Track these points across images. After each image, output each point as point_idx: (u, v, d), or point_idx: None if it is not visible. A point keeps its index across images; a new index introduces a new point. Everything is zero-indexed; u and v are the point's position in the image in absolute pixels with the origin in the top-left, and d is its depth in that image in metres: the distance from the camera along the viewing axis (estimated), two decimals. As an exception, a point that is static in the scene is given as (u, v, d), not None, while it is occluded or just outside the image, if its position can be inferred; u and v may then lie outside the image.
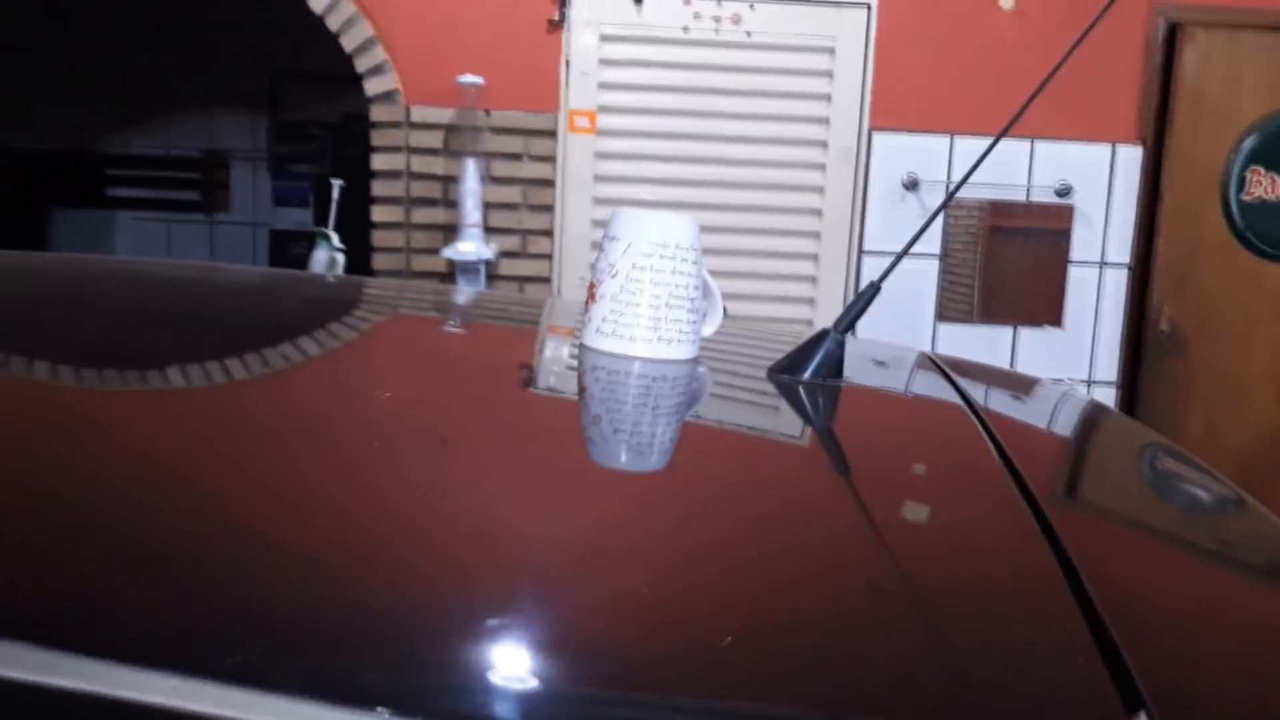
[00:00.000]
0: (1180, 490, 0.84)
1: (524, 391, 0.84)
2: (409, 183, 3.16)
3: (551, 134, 3.13)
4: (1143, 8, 3.13)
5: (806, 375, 0.88)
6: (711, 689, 0.40)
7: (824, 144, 3.17)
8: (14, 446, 0.56)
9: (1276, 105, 3.12)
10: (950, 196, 0.97)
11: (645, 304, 0.88)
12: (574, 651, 0.41)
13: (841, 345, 0.90)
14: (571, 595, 0.45)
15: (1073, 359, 3.28)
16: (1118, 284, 3.25)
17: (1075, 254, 3.23)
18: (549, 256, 3.21)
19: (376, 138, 3.15)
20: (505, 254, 3.17)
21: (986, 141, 3.00)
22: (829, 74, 3.14)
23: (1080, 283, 3.25)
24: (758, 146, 3.16)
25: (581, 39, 3.10)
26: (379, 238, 3.18)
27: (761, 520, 0.57)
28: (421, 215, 3.18)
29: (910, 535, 0.57)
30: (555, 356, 1.03)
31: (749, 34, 3.12)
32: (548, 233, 3.19)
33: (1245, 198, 3.15)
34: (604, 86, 3.13)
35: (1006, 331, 3.26)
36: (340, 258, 3.34)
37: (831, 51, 3.13)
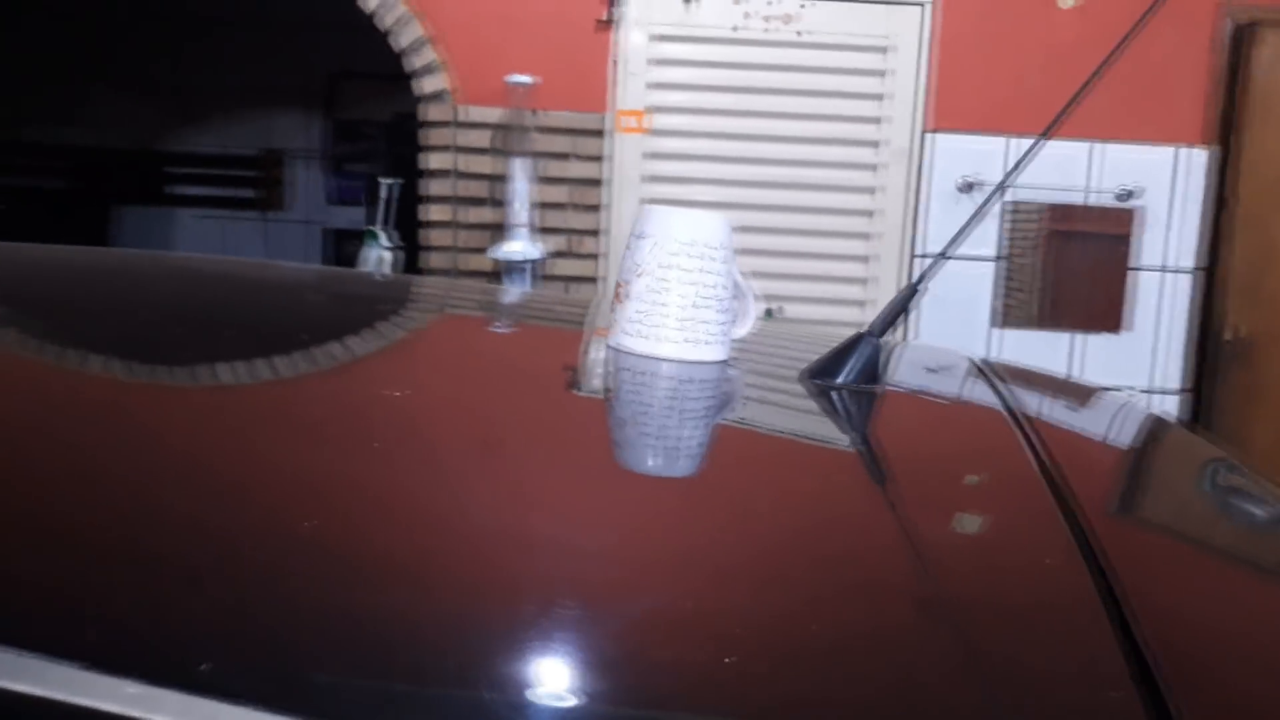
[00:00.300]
0: (1238, 508, 0.79)
1: (552, 393, 0.82)
2: (458, 182, 3.16)
3: (600, 134, 3.12)
4: (1210, 8, 3.03)
5: (840, 380, 0.85)
6: (733, 705, 0.37)
7: (877, 144, 3.11)
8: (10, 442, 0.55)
9: (1352, 107, 3.00)
10: (990, 198, 0.93)
11: (673, 304, 0.85)
12: (610, 666, 0.39)
13: (878, 349, 0.86)
14: (595, 610, 0.42)
15: (1135, 366, 3.18)
16: (1182, 290, 3.15)
17: (1138, 259, 3.14)
18: (596, 256, 3.19)
19: (426, 137, 3.15)
20: (553, 254, 3.16)
21: (1047, 145, 2.93)
22: (883, 74, 3.08)
23: (1144, 288, 3.15)
24: (809, 147, 3.11)
25: (631, 39, 3.08)
26: (428, 237, 3.19)
27: (784, 533, 0.54)
28: (470, 214, 3.18)
29: (932, 552, 0.53)
30: (589, 358, 1.01)
31: (800, 34, 3.08)
32: (595, 233, 3.18)
33: (1317, 202, 3.03)
34: (653, 86, 3.10)
35: (1066, 338, 3.18)
36: (389, 256, 3.36)
37: (885, 51, 3.07)
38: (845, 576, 0.49)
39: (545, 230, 3.14)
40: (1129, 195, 3.09)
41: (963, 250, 3.09)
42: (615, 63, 3.09)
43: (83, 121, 5.52)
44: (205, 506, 0.48)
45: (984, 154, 3.09)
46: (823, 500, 0.61)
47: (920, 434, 0.82)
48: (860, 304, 3.16)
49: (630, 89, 3.10)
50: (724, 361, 0.89)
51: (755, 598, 0.45)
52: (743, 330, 0.93)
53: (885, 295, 3.14)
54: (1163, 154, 3.10)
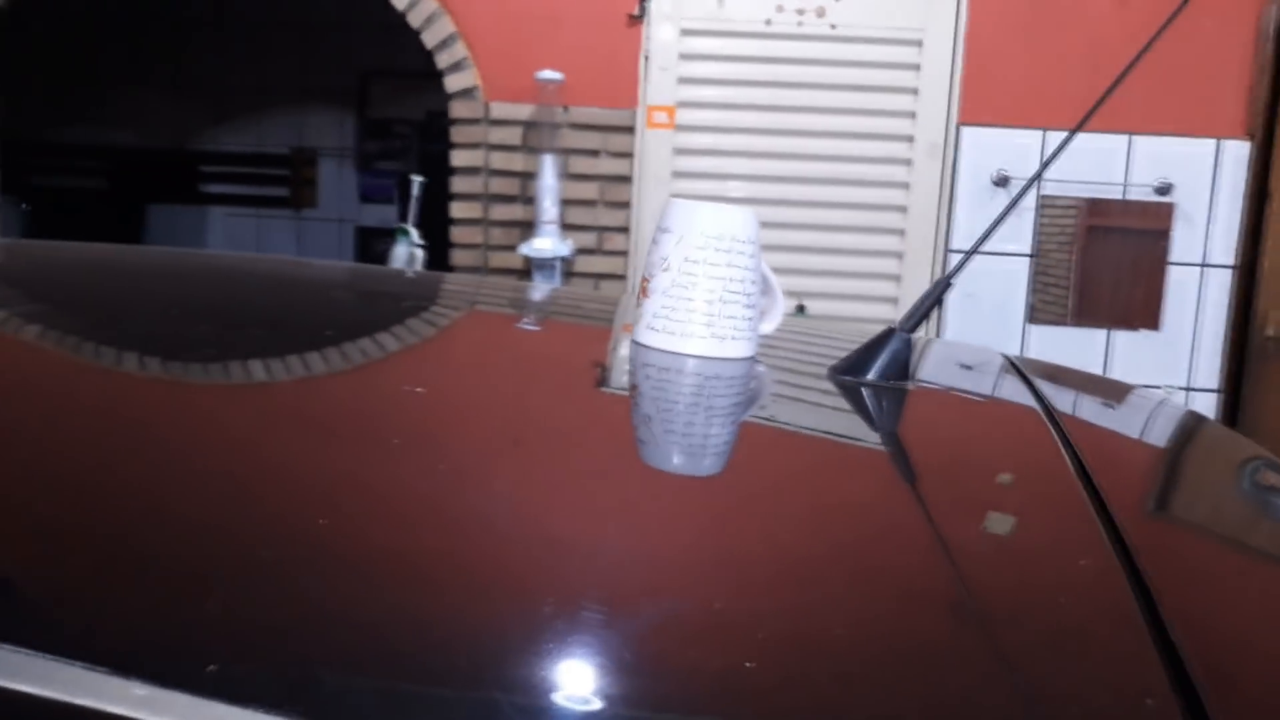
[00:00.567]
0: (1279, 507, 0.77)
1: (572, 390, 0.81)
2: (488, 179, 3.16)
3: (630, 130, 3.11)
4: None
5: (870, 376, 0.83)
6: (756, 711, 0.36)
7: (910, 139, 3.08)
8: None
9: (1399, 98, 2.93)
10: (1023, 191, 0.91)
11: (698, 299, 0.84)
12: (636, 670, 0.37)
13: (908, 344, 0.84)
14: (618, 612, 0.41)
15: (1171, 364, 3.13)
16: (1220, 286, 3.09)
17: (1175, 254, 3.09)
18: (625, 253, 3.18)
19: (456, 134, 3.16)
20: (582, 251, 3.15)
21: (1081, 138, 2.88)
22: (916, 67, 3.05)
23: (1180, 284, 3.10)
24: (841, 141, 3.08)
25: (661, 34, 3.07)
26: (458, 234, 3.20)
27: (808, 534, 0.53)
28: (499, 212, 3.18)
29: (967, 554, 0.52)
30: (613, 355, 1.00)
31: (833, 26, 3.05)
32: (624, 229, 3.17)
33: (1362, 196, 2.96)
34: (683, 81, 3.09)
35: (1101, 335, 3.13)
36: (420, 253, 3.37)
37: (919, 44, 3.04)
38: (877, 579, 0.48)
39: (574, 227, 3.14)
40: (1168, 189, 3.03)
41: (996, 246, 3.05)
42: (645, 58, 3.08)
43: (119, 122, 5.58)
44: (217, 504, 0.48)
45: (1019, 147, 3.05)
46: (853, 501, 0.60)
47: (954, 432, 0.80)
48: (892, 300, 3.13)
49: (660, 84, 3.09)
50: (751, 358, 0.87)
51: (784, 602, 0.44)
52: (770, 326, 0.92)
53: (917, 292, 3.10)
54: (1202, 147, 3.04)
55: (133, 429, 0.58)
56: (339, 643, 0.37)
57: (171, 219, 5.60)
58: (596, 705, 0.35)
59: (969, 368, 1.08)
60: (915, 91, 3.06)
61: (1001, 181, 3.06)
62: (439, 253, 3.32)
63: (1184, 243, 3.08)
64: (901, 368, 0.84)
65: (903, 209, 3.11)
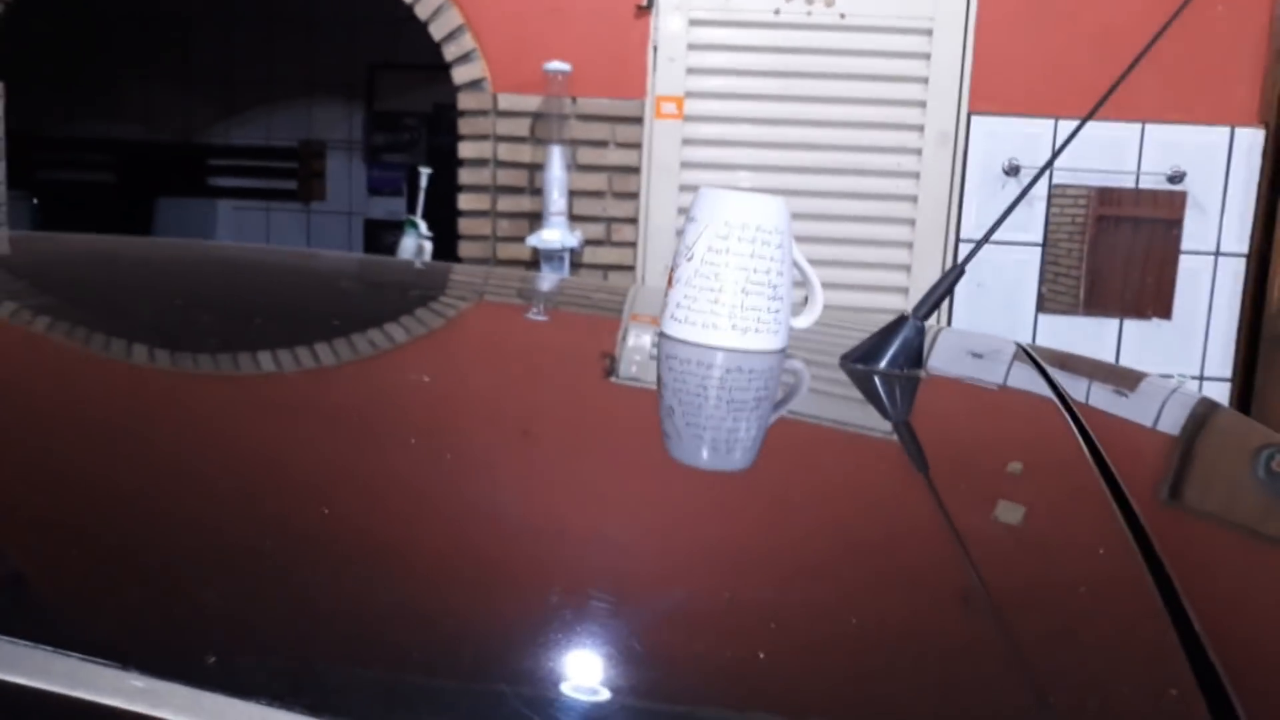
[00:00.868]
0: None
1: (581, 381, 0.80)
2: (495, 170, 3.15)
3: (638, 120, 3.09)
4: (1267, -16, 2.95)
5: (882, 364, 0.82)
6: (771, 701, 0.35)
7: (920, 128, 3.06)
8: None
9: None
10: (1034, 180, 0.89)
11: (721, 289, 0.83)
12: (656, 661, 0.37)
13: (921, 332, 0.83)
14: (633, 603, 0.41)
15: (1182, 353, 3.11)
16: (1233, 275, 3.07)
17: (1187, 243, 3.06)
18: (634, 244, 3.17)
19: (464, 126, 3.15)
20: (590, 242, 3.14)
21: (1093, 127, 2.85)
22: (926, 56, 3.02)
23: (1192, 273, 3.07)
24: (850, 131, 3.07)
25: (669, 24, 3.05)
26: (465, 225, 3.19)
27: (822, 524, 0.52)
28: (507, 203, 3.17)
29: (983, 545, 0.51)
30: (625, 346, 0.99)
31: (842, 16, 3.03)
32: (633, 220, 3.15)
33: (1377, 183, 2.94)
34: (692, 71, 3.07)
35: (1112, 324, 3.11)
36: (428, 245, 3.36)
37: (929, 33, 3.01)
38: (895, 570, 0.47)
39: (582, 218, 3.13)
40: (1181, 177, 3.01)
41: (1006, 235, 3.03)
42: (654, 48, 3.07)
43: (128, 116, 5.59)
44: (217, 494, 0.47)
45: (1030, 136, 3.03)
46: (869, 491, 0.59)
47: (969, 420, 0.79)
48: (903, 291, 3.12)
49: (669, 75, 3.07)
50: (779, 351, 0.86)
51: (800, 592, 0.43)
52: (806, 321, 0.90)
53: (927, 282, 3.08)
54: (1215, 135, 3.01)
55: (131, 419, 0.58)
56: (340, 634, 0.36)
57: (180, 213, 5.61)
58: (606, 696, 0.34)
59: (981, 356, 1.07)
60: (925, 81, 3.04)
61: (1012, 171, 3.04)
62: (447, 245, 3.32)
63: (1196, 231, 3.05)
64: (914, 356, 0.82)
65: (913, 199, 3.09)
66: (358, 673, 0.35)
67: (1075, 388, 0.93)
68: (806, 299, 0.91)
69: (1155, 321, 3.09)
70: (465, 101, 3.13)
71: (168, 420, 0.58)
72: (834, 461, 0.64)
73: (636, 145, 3.11)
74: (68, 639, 0.33)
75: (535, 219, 3.10)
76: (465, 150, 3.15)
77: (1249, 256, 3.05)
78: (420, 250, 3.33)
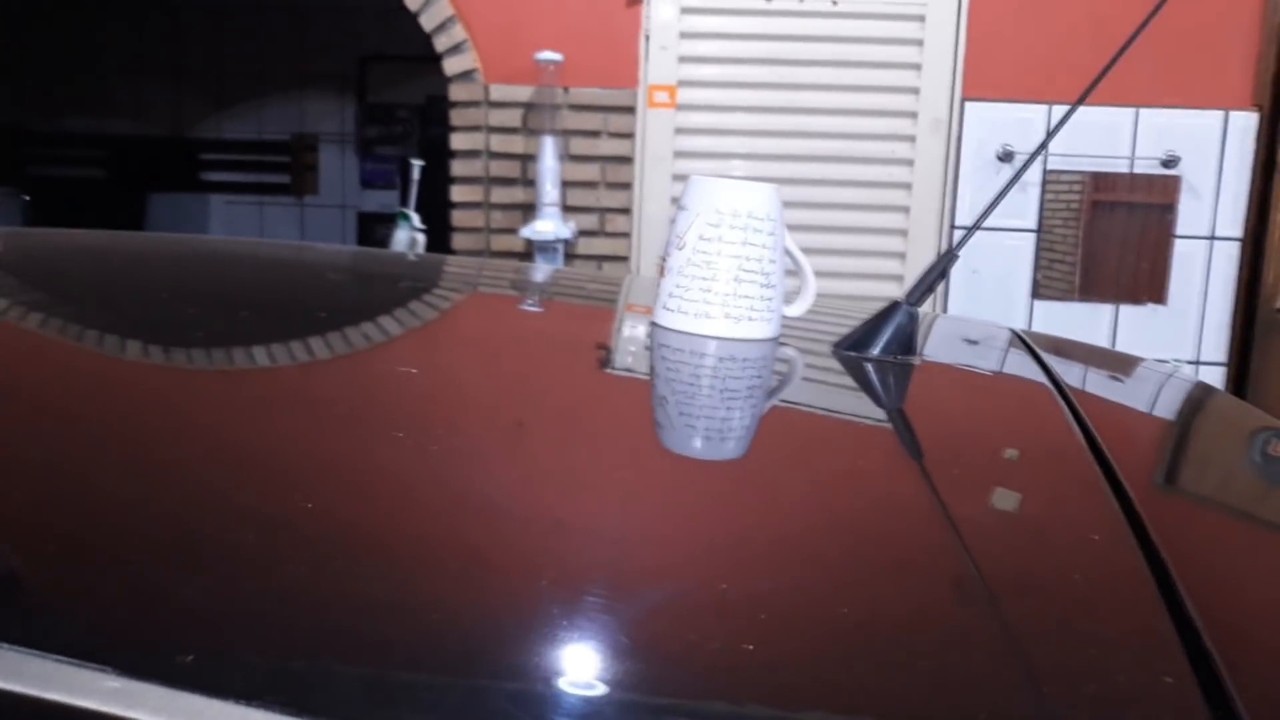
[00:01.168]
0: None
1: (574, 371, 0.80)
2: (488, 162, 3.14)
3: (630, 110, 3.08)
4: (1261, -34, 2.93)
5: (875, 352, 0.81)
6: (766, 690, 0.34)
7: (914, 115, 3.05)
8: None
9: None
10: (1026, 164, 0.88)
11: (713, 278, 0.82)
12: (639, 652, 0.36)
13: (914, 318, 0.82)
14: (631, 596, 0.40)
15: (1177, 338, 3.10)
16: (1228, 259, 3.06)
17: (1182, 227, 3.06)
18: (627, 235, 3.16)
19: (455, 117, 3.13)
20: (583, 233, 3.13)
21: (1086, 112, 2.85)
22: (919, 42, 3.01)
23: (1186, 258, 3.07)
24: (844, 118, 3.06)
25: (661, 12, 3.04)
26: (458, 217, 3.17)
27: (815, 512, 0.52)
28: (500, 194, 3.16)
29: (977, 532, 0.50)
30: (619, 336, 0.98)
31: (835, 3, 3.01)
32: (627, 211, 3.14)
33: (1372, 166, 2.93)
34: (684, 60, 3.06)
35: (1107, 309, 3.10)
36: (421, 238, 3.35)
37: (921, 19, 3.00)
38: (888, 557, 0.46)
39: (576, 209, 3.12)
40: (1175, 162, 3.00)
41: (1000, 221, 3.03)
42: (646, 37, 3.05)
43: (119, 111, 5.56)
44: (194, 489, 0.46)
45: (1023, 122, 3.02)
46: (862, 479, 0.58)
47: (963, 407, 0.78)
48: (897, 278, 3.11)
49: (661, 64, 3.06)
50: (773, 339, 0.85)
51: (793, 581, 0.43)
52: (799, 309, 0.90)
53: (922, 269, 3.08)
54: (1209, 119, 3.00)
55: (107, 413, 0.57)
56: (319, 631, 0.36)
57: (173, 208, 5.59)
58: (596, 690, 0.33)
59: (976, 342, 1.07)
60: (918, 67, 3.02)
61: (1006, 156, 3.03)
62: (440, 237, 3.30)
63: (1190, 216, 3.05)
64: (907, 342, 0.82)
65: (907, 186, 3.08)
66: (338, 670, 0.34)
67: (1070, 373, 0.93)
68: (800, 287, 0.91)
69: (1150, 306, 3.09)
70: (457, 93, 3.12)
71: (143, 414, 0.57)
72: (827, 449, 0.63)
73: (629, 135, 3.09)
74: (40, 639, 0.33)
75: (529, 210, 3.09)
76: (457, 142, 3.14)
77: (1243, 240, 3.04)
78: (413, 243, 3.32)
